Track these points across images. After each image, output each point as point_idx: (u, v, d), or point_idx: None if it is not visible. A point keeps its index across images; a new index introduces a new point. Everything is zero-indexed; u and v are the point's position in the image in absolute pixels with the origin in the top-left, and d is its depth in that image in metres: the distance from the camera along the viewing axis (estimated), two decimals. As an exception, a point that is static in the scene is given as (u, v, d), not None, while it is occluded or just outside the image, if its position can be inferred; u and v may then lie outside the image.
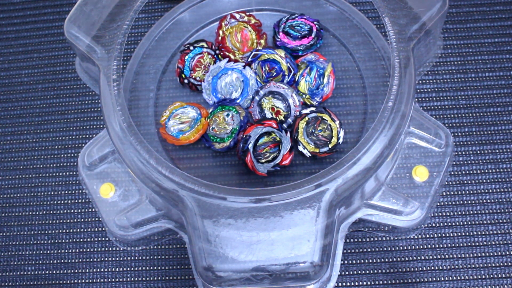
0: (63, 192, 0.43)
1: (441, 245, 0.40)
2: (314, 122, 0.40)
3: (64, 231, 0.42)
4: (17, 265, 0.41)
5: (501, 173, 0.42)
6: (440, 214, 0.41)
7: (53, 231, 0.42)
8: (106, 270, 0.41)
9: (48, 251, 0.42)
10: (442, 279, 0.39)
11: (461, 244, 0.40)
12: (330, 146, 0.39)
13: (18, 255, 0.42)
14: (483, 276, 0.39)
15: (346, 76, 0.43)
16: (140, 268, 0.40)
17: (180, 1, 0.46)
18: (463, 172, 0.42)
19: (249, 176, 0.40)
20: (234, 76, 0.42)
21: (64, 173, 0.44)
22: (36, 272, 0.41)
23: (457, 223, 0.40)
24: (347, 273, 0.39)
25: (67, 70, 0.48)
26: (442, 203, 0.41)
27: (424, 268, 0.39)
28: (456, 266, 0.39)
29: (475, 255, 0.39)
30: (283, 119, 0.41)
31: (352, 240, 0.40)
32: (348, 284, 0.39)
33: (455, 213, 0.41)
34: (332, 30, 0.45)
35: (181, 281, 0.40)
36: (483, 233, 0.40)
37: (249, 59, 0.42)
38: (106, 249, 0.41)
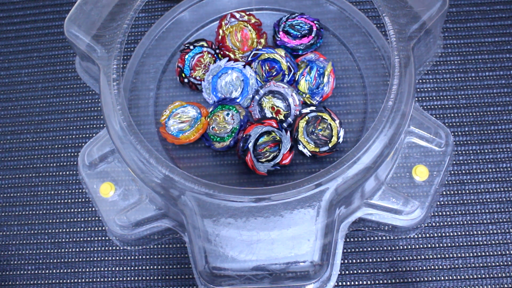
0: (63, 192, 0.43)
1: (441, 245, 0.40)
2: (314, 122, 0.40)
3: (64, 230, 0.42)
4: (17, 264, 0.41)
5: (501, 172, 0.42)
6: (440, 213, 0.41)
7: (53, 230, 0.42)
8: (106, 269, 0.41)
9: (48, 250, 0.42)
10: (442, 278, 0.39)
11: (461, 243, 0.40)
12: (330, 145, 0.39)
13: (18, 254, 0.42)
14: (483, 275, 0.39)
15: (346, 76, 0.43)
16: (140, 267, 0.40)
17: (180, 0, 0.46)
18: (463, 171, 0.42)
19: (249, 176, 0.40)
20: (234, 76, 0.42)
21: (64, 173, 0.44)
22: (36, 272, 0.41)
23: (457, 222, 0.40)
24: (347, 272, 0.39)
25: (67, 70, 0.48)
26: (442, 202, 0.41)
27: (424, 268, 0.39)
28: (456, 266, 0.39)
29: (475, 254, 0.39)
30: (283, 119, 0.41)
31: (352, 239, 0.40)
32: (348, 283, 0.39)
33: (455, 212, 0.41)
34: (332, 29, 0.45)
35: (181, 280, 0.40)
36: (483, 232, 0.40)
37: (249, 58, 0.42)
38: (106, 248, 0.41)
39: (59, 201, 0.43)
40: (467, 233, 0.40)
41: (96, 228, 0.42)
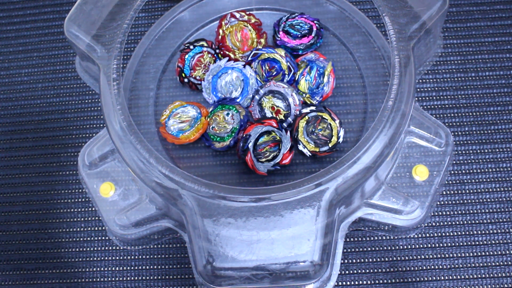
0: (63, 191, 0.43)
1: (441, 244, 0.40)
2: (314, 121, 0.40)
3: (64, 230, 0.42)
4: (17, 264, 0.41)
5: (501, 172, 0.42)
6: (440, 213, 0.41)
7: (53, 230, 0.42)
8: (106, 269, 0.41)
9: (48, 250, 0.42)
10: (442, 278, 0.39)
11: (461, 243, 0.40)
12: (330, 145, 0.39)
13: (17, 254, 0.42)
14: (483, 275, 0.39)
15: (346, 75, 0.43)
16: (140, 267, 0.40)
17: (180, 0, 0.46)
18: (463, 171, 0.42)
19: (249, 175, 0.40)
20: (234, 75, 0.42)
21: (64, 172, 0.44)
22: (36, 271, 0.41)
23: (457, 222, 0.40)
24: (347, 272, 0.39)
25: (67, 69, 0.48)
26: (442, 202, 0.41)
27: (424, 267, 0.39)
28: (456, 265, 0.39)
29: (475, 254, 0.39)
30: (283, 118, 0.41)
31: (352, 239, 0.40)
32: (348, 283, 0.39)
33: (455, 212, 0.41)
34: (332, 29, 0.45)
35: (181, 280, 0.40)
36: (483, 232, 0.40)
37: (249, 58, 0.42)
38: (106, 248, 0.41)
39: (59, 201, 0.43)
40: (467, 233, 0.40)
41: (96, 228, 0.42)
